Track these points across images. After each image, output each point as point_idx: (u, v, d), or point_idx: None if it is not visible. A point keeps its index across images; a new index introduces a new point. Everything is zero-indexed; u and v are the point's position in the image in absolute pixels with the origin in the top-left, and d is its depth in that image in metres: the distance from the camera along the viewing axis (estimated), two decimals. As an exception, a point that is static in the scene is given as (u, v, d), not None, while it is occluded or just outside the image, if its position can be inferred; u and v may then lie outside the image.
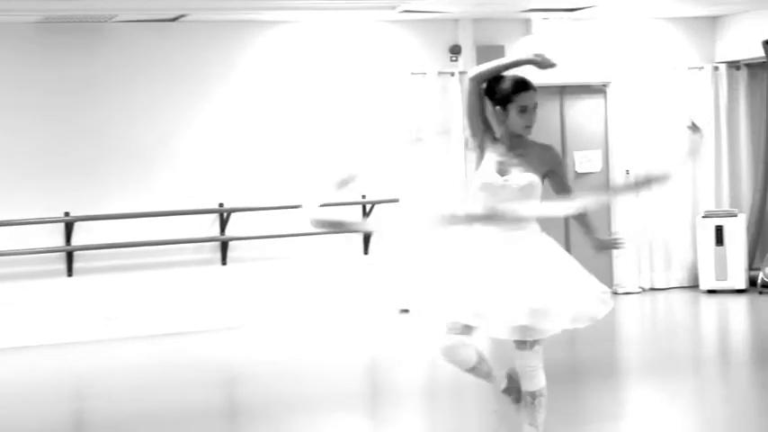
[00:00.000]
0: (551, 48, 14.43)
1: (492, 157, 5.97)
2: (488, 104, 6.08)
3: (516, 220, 5.82)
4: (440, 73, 14.04)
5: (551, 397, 6.30)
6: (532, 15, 14.15)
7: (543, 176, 6.01)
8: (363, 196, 13.69)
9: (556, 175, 6.06)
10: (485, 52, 14.12)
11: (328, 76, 13.69)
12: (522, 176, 5.89)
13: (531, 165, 5.94)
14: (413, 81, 13.96)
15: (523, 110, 5.95)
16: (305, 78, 13.60)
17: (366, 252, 13.82)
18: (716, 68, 15.16)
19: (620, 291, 14.76)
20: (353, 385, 9.78)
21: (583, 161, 14.92)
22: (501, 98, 5.98)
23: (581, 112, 15.01)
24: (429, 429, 8.14)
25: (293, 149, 13.52)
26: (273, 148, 13.44)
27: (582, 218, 6.10)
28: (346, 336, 12.52)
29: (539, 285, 5.81)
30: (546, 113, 14.69)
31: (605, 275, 14.65)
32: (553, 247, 6.04)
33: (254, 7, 12.61)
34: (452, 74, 14.06)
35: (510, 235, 5.86)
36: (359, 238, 13.79)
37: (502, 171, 5.91)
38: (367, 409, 8.95)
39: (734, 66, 15.21)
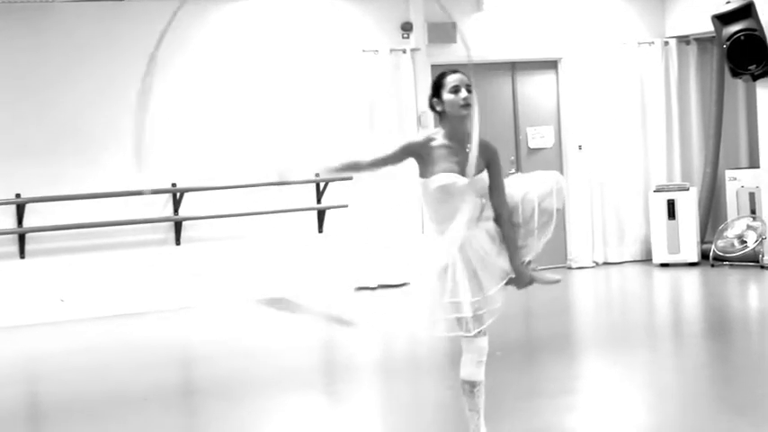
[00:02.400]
0: (502, 24, 14.52)
1: (443, 161, 6.01)
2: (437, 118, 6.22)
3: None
4: (392, 50, 14.03)
5: (508, 369, 6.34)
6: (483, -8, 14.20)
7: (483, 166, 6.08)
8: (317, 174, 13.66)
9: (490, 170, 6.07)
10: (436, 29, 14.14)
11: (281, 54, 13.66)
12: (482, 175, 6.00)
13: (480, 159, 5.99)
14: (365, 58, 13.94)
15: (455, 89, 6.05)
16: (257, 57, 13.56)
17: (321, 230, 13.82)
18: (666, 43, 15.23)
19: (573, 265, 14.85)
20: (308, 363, 9.78)
21: (535, 136, 14.97)
22: (435, 89, 6.12)
23: (533, 88, 15.06)
24: (384, 405, 8.15)
25: (245, 128, 13.48)
26: (226, 127, 13.40)
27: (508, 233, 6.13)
28: (299, 314, 12.52)
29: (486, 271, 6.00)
30: (498, 89, 14.74)
31: (559, 250, 14.75)
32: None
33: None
34: (404, 51, 14.06)
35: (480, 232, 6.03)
36: (314, 216, 13.78)
37: (462, 171, 5.96)
38: (322, 386, 8.96)
39: (684, 40, 15.28)
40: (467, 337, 5.98)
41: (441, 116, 6.13)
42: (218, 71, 13.43)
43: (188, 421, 8.06)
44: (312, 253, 13.67)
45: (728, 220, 14.56)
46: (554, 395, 7.12)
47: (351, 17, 13.99)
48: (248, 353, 10.23)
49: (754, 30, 13.44)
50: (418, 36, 14.19)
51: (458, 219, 5.94)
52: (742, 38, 13.44)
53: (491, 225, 6.05)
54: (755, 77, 13.76)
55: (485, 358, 6.05)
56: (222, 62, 13.45)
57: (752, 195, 14.26)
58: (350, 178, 13.32)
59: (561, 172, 14.90)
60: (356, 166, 6.37)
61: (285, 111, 13.64)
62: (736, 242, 14.09)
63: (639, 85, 15.18)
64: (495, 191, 6.05)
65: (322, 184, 13.72)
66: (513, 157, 14.70)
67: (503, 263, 6.04)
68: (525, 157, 14.85)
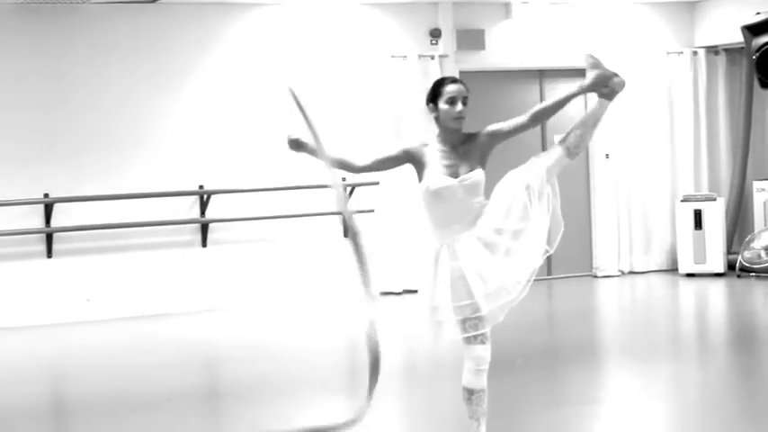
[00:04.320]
0: (531, 32, 14.52)
1: (435, 164, 6.10)
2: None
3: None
4: (420, 56, 14.05)
5: (530, 377, 6.35)
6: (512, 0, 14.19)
7: (487, 156, 6.18)
8: (343, 179, 13.68)
9: (496, 135, 6.20)
10: (464, 36, 14.17)
11: (308, 59, 13.69)
12: (474, 174, 6.06)
13: (474, 158, 6.12)
14: (393, 64, 13.97)
15: (451, 101, 6.13)
16: (286, 61, 13.58)
17: (346, 234, 13.83)
18: (695, 53, 15.20)
19: (599, 274, 14.82)
20: (334, 366, 9.80)
21: (563, 145, 14.94)
22: (430, 97, 6.22)
23: (560, 96, 15.02)
24: (409, 408, 8.16)
25: (273, 132, 13.49)
26: (253, 130, 13.43)
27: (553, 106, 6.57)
28: (326, 317, 12.54)
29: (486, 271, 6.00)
30: (526, 97, 14.72)
31: (585, 259, 14.74)
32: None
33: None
34: (432, 57, 14.07)
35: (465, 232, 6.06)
36: (338, 219, 13.81)
37: (453, 174, 6.07)
38: (347, 389, 8.97)
39: (713, 51, 15.25)
40: (466, 344, 6.01)
41: (435, 120, 6.23)
42: (245, 75, 13.47)
43: (211, 423, 8.09)
44: (337, 256, 13.68)
45: (755, 230, 14.50)
46: (577, 404, 7.13)
47: (379, 23, 14.01)
48: (273, 355, 10.25)
49: (784, 41, 13.40)
50: (447, 42, 14.21)
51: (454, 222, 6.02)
52: (772, 49, 13.41)
53: (485, 233, 6.06)
54: (784, 88, 13.71)
55: (484, 367, 6.06)
56: (250, 67, 13.49)
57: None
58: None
59: (588, 180, 14.91)
60: (347, 166, 6.49)
61: (313, 116, 13.63)
62: (763, 253, 14.03)
63: (667, 95, 15.15)
64: (511, 128, 6.23)
65: (349, 188, 13.74)
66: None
67: (503, 269, 6.01)
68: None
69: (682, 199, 14.71)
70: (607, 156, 14.94)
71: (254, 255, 13.42)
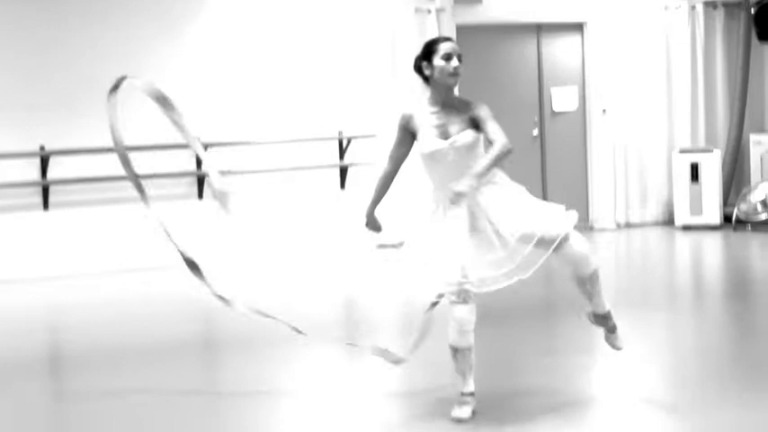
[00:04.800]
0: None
1: (427, 127, 6.14)
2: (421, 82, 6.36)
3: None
4: (417, 9, 14.02)
5: (526, 329, 6.37)
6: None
7: (476, 128, 6.14)
8: (340, 132, 13.69)
9: (480, 124, 6.12)
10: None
11: (307, 14, 13.66)
12: (465, 134, 6.08)
13: (466, 121, 6.12)
14: (389, 18, 13.92)
15: (447, 57, 6.15)
16: (282, 16, 13.54)
17: (343, 187, 13.83)
18: (693, 7, 15.15)
19: (595, 227, 14.84)
20: (331, 318, 9.82)
21: (560, 99, 14.93)
22: (424, 54, 6.22)
23: (558, 51, 15.00)
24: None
25: (269, 86, 13.48)
26: (250, 83, 13.40)
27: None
28: (323, 270, 12.56)
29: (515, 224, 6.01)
30: (523, 52, 14.69)
31: (581, 212, 14.71)
32: (504, 180, 6.20)
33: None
34: (429, 11, 14.03)
35: (484, 189, 6.07)
36: (336, 173, 13.80)
37: (444, 134, 6.11)
38: (342, 340, 8.99)
39: (711, 5, 15.20)
40: (450, 304, 6.07)
41: (427, 81, 6.24)
42: (241, 28, 13.42)
43: (207, 373, 8.12)
44: (335, 210, 13.70)
45: (752, 183, 14.51)
46: (572, 354, 7.16)
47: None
48: (270, 307, 10.26)
49: (783, -6, 13.37)
50: (444, -3, 14.17)
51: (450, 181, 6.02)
52: (770, 2, 13.39)
53: (496, 188, 6.11)
54: (782, 42, 13.71)
55: (468, 328, 6.11)
56: (253, 11, 13.43)
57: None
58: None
59: (585, 135, 14.90)
60: (388, 179, 6.42)
61: (309, 68, 13.63)
62: (759, 206, 14.05)
63: (665, 49, 15.12)
64: (492, 136, 6.04)
65: (345, 141, 13.73)
66: (536, 118, 14.67)
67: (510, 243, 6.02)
68: (549, 120, 14.81)
69: (678, 151, 14.70)
70: (604, 110, 14.92)
71: (251, 208, 13.40)
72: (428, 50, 6.20)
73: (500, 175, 6.19)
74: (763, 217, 13.92)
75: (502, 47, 14.38)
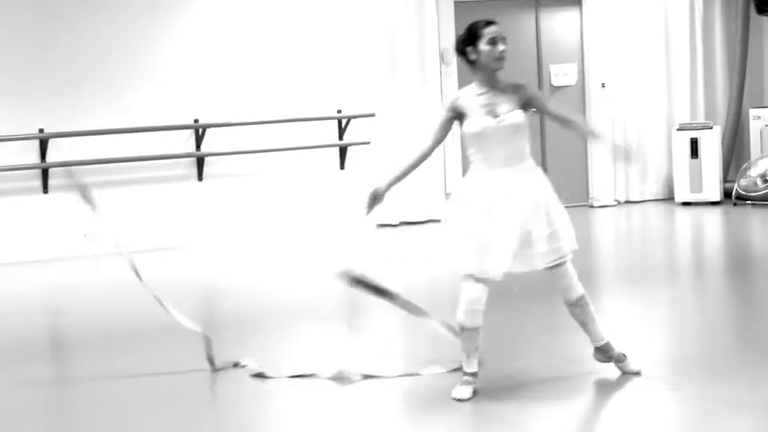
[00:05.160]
0: (527, -40, 14.42)
1: (475, 108, 6.15)
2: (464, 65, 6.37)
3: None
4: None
5: (527, 306, 6.38)
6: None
7: (527, 111, 6.22)
8: (339, 111, 13.67)
9: (533, 104, 6.24)
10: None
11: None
12: (513, 114, 6.12)
13: (515, 102, 6.16)
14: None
15: (493, 41, 6.16)
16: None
17: (342, 167, 13.82)
18: (692, -19, 15.12)
19: (595, 204, 14.83)
20: (331, 297, 9.81)
21: (558, 74, 14.90)
22: (470, 38, 6.21)
23: (557, 25, 14.96)
24: (406, 338, 8.19)
25: (268, 64, 13.45)
26: (248, 63, 13.38)
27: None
28: (322, 250, 12.56)
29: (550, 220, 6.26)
30: (521, 26, 14.66)
31: (581, 189, 14.73)
32: (545, 186, 6.35)
33: None
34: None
35: (515, 177, 6.16)
36: (335, 152, 13.79)
37: (492, 113, 6.12)
38: (345, 320, 9.00)
39: (710, -22, 15.18)
40: (463, 280, 6.12)
41: (472, 64, 6.24)
42: (240, 7, 13.38)
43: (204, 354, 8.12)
44: (334, 189, 13.69)
45: (752, 158, 14.49)
46: (573, 331, 7.13)
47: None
48: (271, 288, 10.27)
49: (782, -34, 13.32)
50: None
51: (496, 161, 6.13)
52: (769, -26, 13.34)
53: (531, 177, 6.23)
54: (781, 15, 13.66)
55: (478, 307, 6.14)
56: (244, 1, 13.39)
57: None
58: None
59: (584, 110, 14.87)
60: (424, 157, 6.37)
61: (307, 47, 13.60)
62: (758, 181, 14.03)
63: (664, 23, 15.07)
64: (548, 111, 6.33)
65: (344, 121, 13.71)
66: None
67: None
68: (548, 95, 14.77)
69: (678, 128, 14.68)
70: (603, 85, 14.89)
71: (250, 188, 13.41)
72: (472, 35, 6.20)
73: (547, 182, 6.32)
74: (763, 192, 13.89)
75: (501, 22, 14.28)
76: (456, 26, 14.10)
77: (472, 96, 6.20)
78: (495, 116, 6.10)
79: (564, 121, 6.37)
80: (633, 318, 8.30)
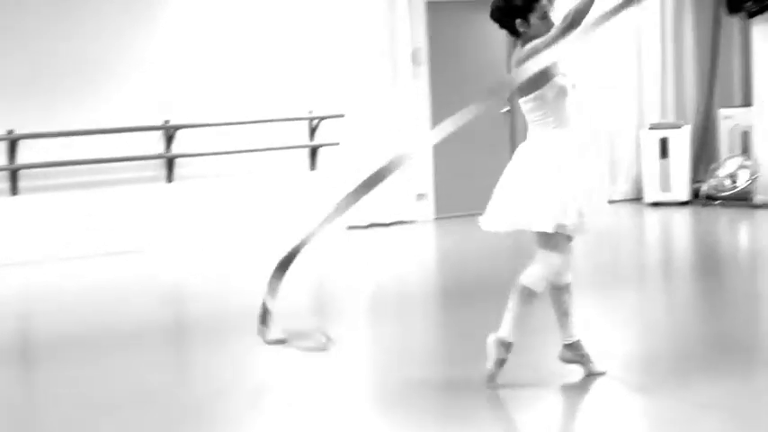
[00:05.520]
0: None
1: (557, 68, 6.37)
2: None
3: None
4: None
5: (495, 308, 6.40)
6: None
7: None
8: (310, 111, 13.67)
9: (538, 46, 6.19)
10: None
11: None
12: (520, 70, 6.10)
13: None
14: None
15: (544, 15, 6.24)
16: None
17: (313, 168, 13.81)
18: (662, -19, 15.17)
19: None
20: (301, 300, 9.81)
21: (529, 75, 14.87)
22: (522, 12, 6.22)
23: (527, 26, 14.93)
24: (374, 343, 8.20)
25: (239, 65, 13.43)
26: (219, 64, 13.35)
27: None
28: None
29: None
30: (492, 29, 14.60)
31: (551, 189, 14.75)
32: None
33: None
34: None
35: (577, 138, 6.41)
36: (306, 153, 13.78)
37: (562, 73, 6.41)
38: (314, 322, 9.00)
39: (681, -23, 15.23)
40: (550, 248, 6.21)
41: (517, 35, 6.31)
42: (211, 8, 13.36)
43: (178, 357, 8.11)
44: (304, 190, 13.68)
45: (721, 158, 14.55)
46: (544, 331, 7.15)
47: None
48: (242, 290, 10.26)
49: (751, -33, 13.37)
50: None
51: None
52: (738, -25, 13.38)
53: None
54: (751, 15, 13.71)
55: (559, 270, 6.30)
56: (217, 3, 13.37)
57: (745, 134, 14.25)
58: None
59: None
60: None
61: (279, 47, 13.59)
62: (727, 181, 14.10)
63: (634, 22, 15.09)
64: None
65: (315, 122, 13.70)
66: (508, 108, 14.64)
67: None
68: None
69: (648, 127, 14.73)
70: (573, 85, 14.87)
71: (221, 190, 13.38)
72: (527, 7, 6.20)
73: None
74: (731, 192, 13.95)
75: (472, 23, 14.34)
76: (428, 27, 14.11)
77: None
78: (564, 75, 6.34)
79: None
80: (599, 319, 8.33)
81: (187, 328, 9.28)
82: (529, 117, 6.39)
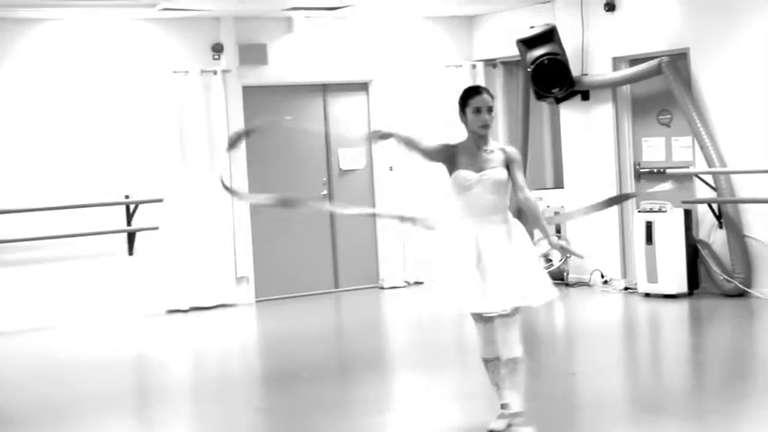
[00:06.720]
0: (313, 46, 14.61)
1: (464, 161, 6.81)
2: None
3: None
4: (202, 71, 13.97)
5: (319, 389, 6.41)
6: (294, 14, 14.22)
7: (507, 169, 6.86)
8: (127, 196, 13.54)
9: (511, 169, 6.88)
10: (247, 51, 14.17)
11: (91, 75, 13.49)
12: (495, 171, 6.80)
13: (498, 162, 6.84)
14: (175, 80, 13.86)
15: (477, 111, 6.83)
16: (68, 78, 13.37)
17: (131, 252, 13.66)
18: (473, 66, 15.53)
19: (385, 285, 14.97)
20: (120, 386, 9.67)
21: (347, 158, 15.04)
22: (460, 103, 6.93)
23: (344, 110, 15.13)
24: (197, 429, 8.12)
25: (57, 150, 13.27)
26: (37, 148, 13.17)
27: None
28: (112, 336, 12.38)
29: (519, 268, 6.81)
30: (309, 111, 14.80)
31: (370, 270, 14.91)
32: (521, 235, 7.00)
33: (11, 4, 12.31)
34: (215, 72, 14.02)
35: (493, 227, 6.84)
36: (124, 238, 13.63)
37: (477, 169, 6.79)
38: (134, 409, 8.88)
39: (491, 63, 15.62)
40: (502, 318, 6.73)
41: (465, 125, 6.93)
42: (28, 92, 13.19)
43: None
44: (123, 275, 13.52)
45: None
46: (366, 413, 7.21)
47: (160, 38, 13.88)
48: (60, 376, 10.07)
49: (557, 54, 13.77)
50: (229, 57, 14.17)
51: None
52: (545, 61, 13.74)
53: (507, 227, 6.89)
54: (559, 100, 14.12)
55: (490, 337, 6.89)
56: (32, 83, 13.21)
57: (556, 215, 14.58)
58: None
59: (372, 192, 15.05)
60: (413, 145, 6.95)
61: (96, 132, 13.47)
62: (542, 261, 14.39)
63: (447, 104, 15.38)
64: (516, 186, 6.87)
65: (132, 206, 13.58)
66: (324, 179, 14.76)
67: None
68: (337, 179, 14.91)
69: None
70: (391, 168, 15.09)
71: (39, 275, 13.13)
72: (462, 102, 6.90)
73: (520, 230, 6.91)
74: (546, 271, 14.22)
75: (289, 106, 14.44)
76: (244, 111, 14.15)
77: (464, 149, 6.84)
78: (479, 172, 6.74)
79: (526, 199, 6.87)
80: (423, 394, 8.39)
81: (1, 418, 9.06)
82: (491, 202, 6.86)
